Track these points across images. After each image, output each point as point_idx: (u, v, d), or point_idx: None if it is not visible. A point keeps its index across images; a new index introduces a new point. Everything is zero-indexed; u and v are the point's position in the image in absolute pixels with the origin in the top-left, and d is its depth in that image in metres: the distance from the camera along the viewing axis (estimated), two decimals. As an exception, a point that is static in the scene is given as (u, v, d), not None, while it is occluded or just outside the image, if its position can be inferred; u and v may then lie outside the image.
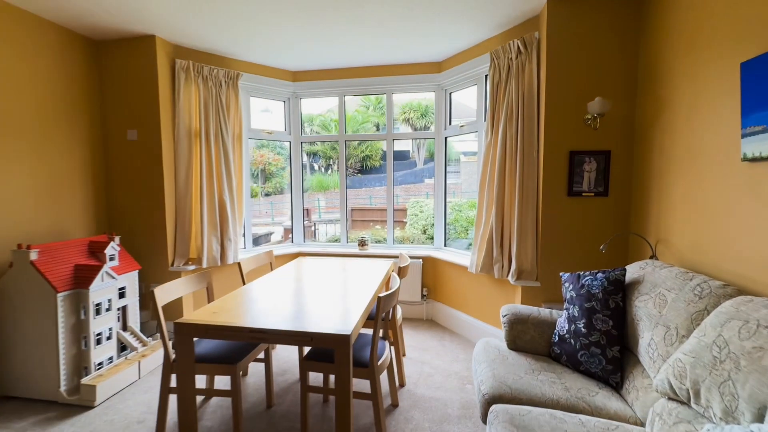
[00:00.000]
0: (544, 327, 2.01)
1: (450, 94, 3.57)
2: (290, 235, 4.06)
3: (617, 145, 2.43)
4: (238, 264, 2.51)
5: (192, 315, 1.74)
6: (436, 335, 3.28)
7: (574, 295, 1.88)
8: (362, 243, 3.77)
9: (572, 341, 1.83)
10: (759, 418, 0.96)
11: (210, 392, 1.86)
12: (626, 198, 2.46)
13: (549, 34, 2.43)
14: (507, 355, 1.95)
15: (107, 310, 2.43)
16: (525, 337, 2.02)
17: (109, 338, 2.45)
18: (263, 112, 3.98)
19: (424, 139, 3.77)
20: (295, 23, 2.70)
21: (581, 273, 1.92)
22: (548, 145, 2.51)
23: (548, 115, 2.49)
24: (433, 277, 3.64)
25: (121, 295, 2.60)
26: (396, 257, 3.46)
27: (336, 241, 4.07)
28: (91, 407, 2.21)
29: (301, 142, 3.96)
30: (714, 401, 1.10)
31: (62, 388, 2.23)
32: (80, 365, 2.33)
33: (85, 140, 2.93)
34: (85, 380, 2.25)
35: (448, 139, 3.65)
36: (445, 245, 3.73)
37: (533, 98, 2.56)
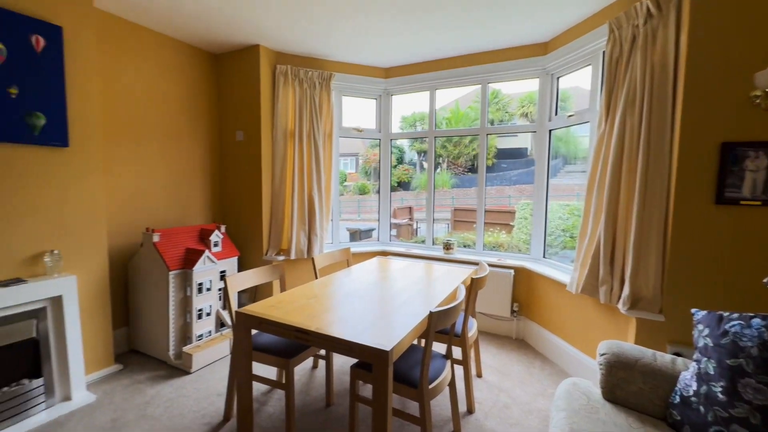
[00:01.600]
0: (659, 379, 1.50)
1: (557, 79, 3.03)
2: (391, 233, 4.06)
3: (808, 132, 1.67)
4: (312, 259, 2.58)
5: (254, 306, 1.81)
6: (524, 359, 2.84)
7: (711, 344, 1.34)
8: (448, 246, 3.52)
9: (702, 409, 1.30)
10: None
11: (267, 382, 1.92)
12: (822, 210, 1.67)
13: (695, -15, 1.80)
14: (599, 407, 1.51)
15: (208, 289, 2.77)
16: (629, 388, 1.54)
17: (208, 314, 2.79)
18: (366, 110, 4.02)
19: (533, 132, 3.28)
20: (385, 17, 2.62)
21: (725, 313, 1.36)
22: (687, 135, 1.88)
23: (689, 94, 1.86)
24: (526, 291, 3.17)
25: (221, 278, 2.94)
26: (477, 264, 3.11)
27: (422, 242, 3.90)
28: (188, 372, 2.54)
29: (391, 140, 3.90)
30: None
31: (170, 352, 2.62)
32: (185, 335, 2.71)
33: (204, 142, 3.41)
34: (186, 348, 2.61)
35: (572, 132, 3.11)
36: (544, 256, 3.21)
37: (666, 74, 1.95)
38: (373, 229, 7.37)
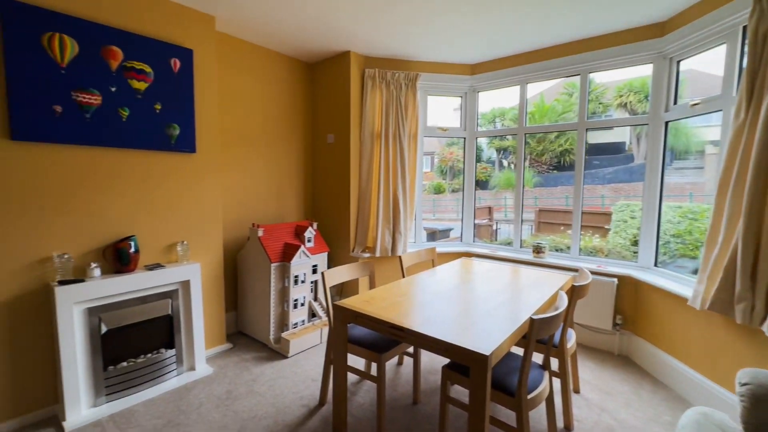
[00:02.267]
0: (829, 423, 1.22)
1: (677, 62, 2.65)
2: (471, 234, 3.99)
3: None
4: (399, 257, 2.63)
5: (349, 300, 1.91)
6: (629, 378, 2.55)
7: None
8: (538, 250, 3.31)
9: None
10: None
11: (361, 374, 2.01)
12: None
13: None
14: (741, 445, 1.29)
15: (302, 281, 3.00)
16: (784, 428, 1.28)
17: (302, 304, 3.02)
18: (455, 111, 3.97)
19: (644, 125, 2.94)
20: (481, 11, 2.57)
21: None
22: None
23: None
24: (633, 303, 2.84)
25: (314, 271, 3.15)
26: (575, 271, 2.86)
27: (508, 244, 3.73)
28: (285, 357, 2.78)
29: (476, 138, 3.80)
30: None
31: (271, 337, 2.90)
32: (282, 322, 2.97)
33: (299, 145, 3.69)
34: (284, 334, 2.85)
35: (684, 123, 2.73)
36: (655, 264, 2.83)
37: (842, 47, 1.57)
38: (450, 229, 7.25)
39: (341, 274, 2.22)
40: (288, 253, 2.93)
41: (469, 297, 2.01)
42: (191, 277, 2.50)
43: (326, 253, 3.34)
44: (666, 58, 2.69)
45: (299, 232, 3.21)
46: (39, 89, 1.94)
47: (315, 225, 3.33)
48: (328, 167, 3.66)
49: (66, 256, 2.04)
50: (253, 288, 3.02)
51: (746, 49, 1.95)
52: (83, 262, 2.14)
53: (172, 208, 2.52)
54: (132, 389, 2.25)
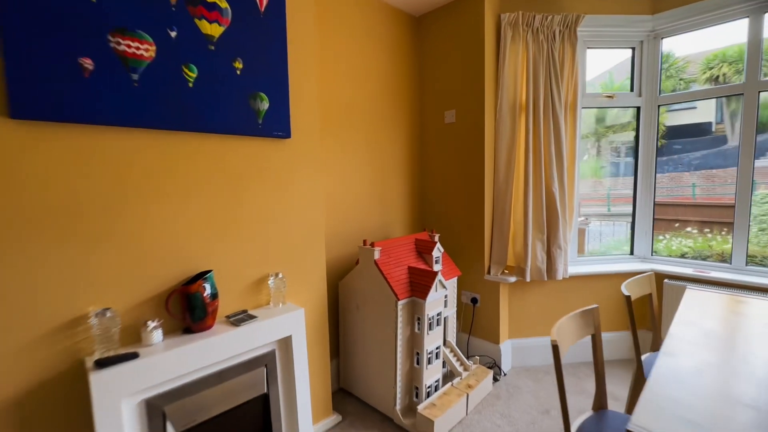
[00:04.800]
0: None
1: None
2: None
3: None
4: (627, 297, 1.56)
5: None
6: None
7: None
8: (797, 270, 2.11)
9: None
10: None
11: None
12: None
13: None
14: None
15: (437, 324, 2.04)
16: None
17: (437, 357, 2.06)
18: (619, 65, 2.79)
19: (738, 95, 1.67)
20: None
21: None
22: None
23: None
24: None
25: (445, 304, 2.18)
26: None
27: (713, 257, 2.54)
28: (427, 444, 1.83)
29: (659, 106, 2.63)
30: None
31: (397, 407, 1.96)
32: (411, 384, 2.02)
33: (407, 127, 2.73)
34: (421, 409, 1.90)
35: None
36: None
37: None
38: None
39: (568, 330, 1.22)
40: (420, 284, 1.97)
41: None
42: (294, 330, 1.61)
43: (457, 279, 2.36)
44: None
45: (422, 250, 2.25)
46: (54, 30, 1.11)
47: (436, 238, 2.37)
48: (447, 157, 2.67)
49: (108, 314, 1.21)
50: (367, 333, 2.10)
51: None
52: (134, 320, 1.30)
53: (261, 223, 1.65)
54: None
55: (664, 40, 2.57)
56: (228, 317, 1.51)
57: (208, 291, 1.40)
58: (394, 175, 2.67)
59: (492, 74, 2.45)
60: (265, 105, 1.60)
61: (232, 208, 1.55)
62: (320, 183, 1.88)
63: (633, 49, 2.64)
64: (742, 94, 2.33)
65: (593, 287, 2.57)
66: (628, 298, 1.56)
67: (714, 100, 2.63)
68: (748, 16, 2.26)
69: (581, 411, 2.02)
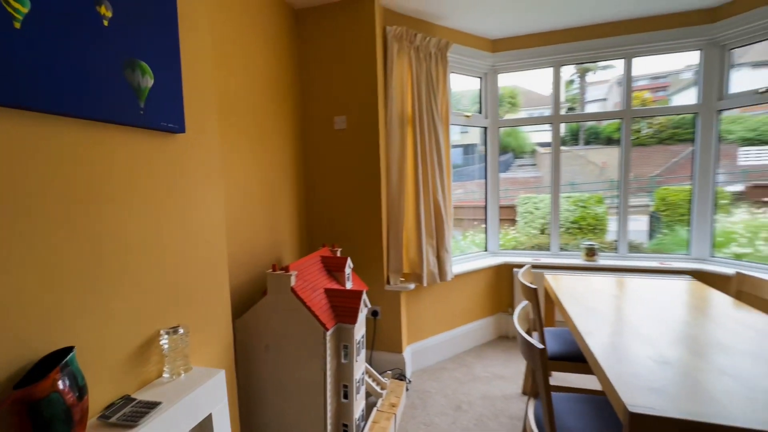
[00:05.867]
0: None
1: (730, 51, 2.62)
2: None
3: None
4: (534, 290, 1.81)
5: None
6: None
7: None
8: (591, 252, 2.96)
9: None
10: None
11: None
12: None
13: None
14: None
15: (363, 347, 1.86)
16: None
17: (362, 384, 1.88)
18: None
19: (683, 114, 2.86)
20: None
21: None
22: None
23: None
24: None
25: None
26: (687, 274, 2.64)
27: (533, 247, 3.30)
28: (371, 487, 1.63)
29: (499, 128, 3.22)
30: None
31: (328, 456, 1.67)
32: (339, 423, 1.77)
33: (290, 132, 2.41)
34: (357, 447, 1.68)
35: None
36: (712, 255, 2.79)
37: None
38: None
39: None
40: (343, 306, 1.75)
41: (701, 343, 1.39)
42: (213, 406, 1.13)
43: (364, 293, 2.23)
44: (718, 45, 2.64)
45: (332, 268, 2.02)
46: None
47: (339, 252, 2.19)
48: (339, 164, 2.50)
49: None
50: (283, 377, 1.70)
51: None
52: None
53: (144, 257, 1.10)
54: None
55: (499, 74, 3.17)
56: (105, 416, 0.93)
57: (68, 385, 0.82)
58: (282, 183, 2.32)
59: (382, 84, 2.45)
60: (148, 81, 1.07)
61: (97, 239, 0.97)
62: (221, 194, 1.42)
63: (480, 78, 3.16)
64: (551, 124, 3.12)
65: (468, 282, 2.92)
66: (534, 290, 1.82)
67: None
68: (552, 67, 3.05)
69: (507, 397, 2.24)
